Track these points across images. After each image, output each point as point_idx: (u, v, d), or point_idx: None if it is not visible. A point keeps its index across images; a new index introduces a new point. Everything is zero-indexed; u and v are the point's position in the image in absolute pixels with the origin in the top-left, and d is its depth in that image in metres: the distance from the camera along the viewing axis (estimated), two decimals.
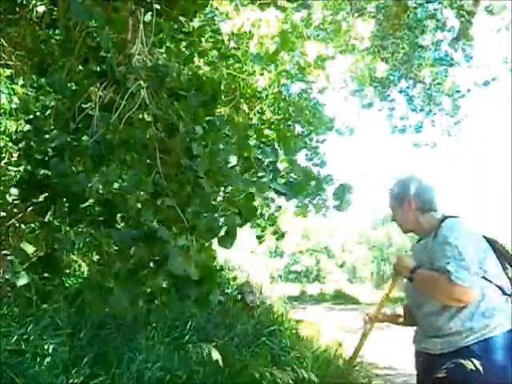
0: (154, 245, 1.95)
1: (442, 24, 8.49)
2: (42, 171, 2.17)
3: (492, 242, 2.42)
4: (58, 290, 2.16)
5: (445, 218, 2.41)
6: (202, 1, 2.70)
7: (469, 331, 2.24)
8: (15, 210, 3.89)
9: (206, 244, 2.14)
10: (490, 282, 2.28)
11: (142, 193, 2.15)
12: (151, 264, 2.01)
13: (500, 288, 2.31)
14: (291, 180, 2.50)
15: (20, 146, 2.20)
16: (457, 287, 2.15)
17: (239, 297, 7.48)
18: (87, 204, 2.10)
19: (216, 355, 4.59)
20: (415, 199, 2.46)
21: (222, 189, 2.29)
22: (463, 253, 2.20)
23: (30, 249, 2.12)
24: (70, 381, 3.63)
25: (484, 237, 2.44)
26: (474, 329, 2.23)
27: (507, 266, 2.40)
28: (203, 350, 4.60)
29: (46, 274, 2.07)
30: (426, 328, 2.41)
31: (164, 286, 2.14)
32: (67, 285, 4.45)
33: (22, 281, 1.93)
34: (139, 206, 2.11)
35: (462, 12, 8.11)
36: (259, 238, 6.09)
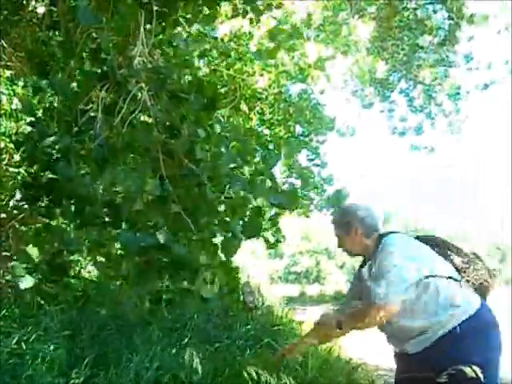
0: (160, 251, 1.95)
1: (431, 28, 8.47)
2: (45, 173, 2.17)
3: (427, 240, 2.51)
4: (65, 291, 2.15)
5: (380, 236, 2.47)
6: (209, 14, 2.70)
7: (438, 325, 2.30)
8: (15, 212, 3.90)
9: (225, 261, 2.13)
10: (441, 276, 2.35)
11: (146, 196, 2.14)
12: (157, 268, 2.02)
13: (450, 277, 2.38)
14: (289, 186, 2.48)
15: (22, 148, 2.19)
16: (374, 308, 2.29)
17: (240, 297, 7.44)
18: (93, 206, 2.09)
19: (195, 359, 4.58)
20: (360, 226, 2.53)
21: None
22: (391, 269, 2.28)
23: (34, 252, 2.12)
24: (71, 382, 3.63)
25: (417, 237, 2.54)
26: (443, 322, 2.29)
27: (449, 253, 2.49)
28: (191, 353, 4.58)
29: (52, 277, 2.06)
30: (398, 337, 2.45)
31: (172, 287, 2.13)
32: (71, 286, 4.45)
33: (26, 284, 1.92)
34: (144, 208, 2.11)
35: (451, 15, 8.11)
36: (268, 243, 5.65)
